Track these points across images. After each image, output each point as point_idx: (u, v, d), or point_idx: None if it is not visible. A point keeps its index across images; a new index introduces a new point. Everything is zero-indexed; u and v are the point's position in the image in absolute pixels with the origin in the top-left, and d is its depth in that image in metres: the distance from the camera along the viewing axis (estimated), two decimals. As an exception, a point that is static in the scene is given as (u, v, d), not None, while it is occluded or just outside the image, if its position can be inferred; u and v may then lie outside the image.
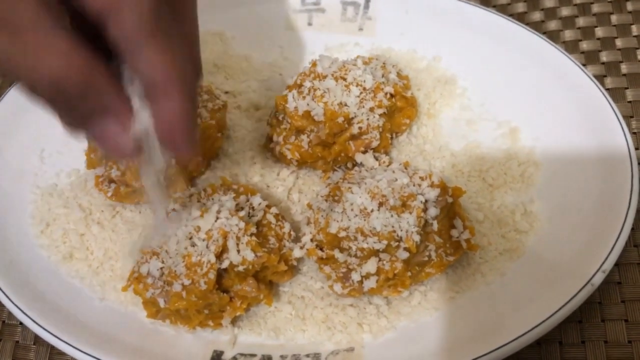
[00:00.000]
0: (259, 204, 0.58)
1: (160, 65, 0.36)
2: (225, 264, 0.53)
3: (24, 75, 0.34)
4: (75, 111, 0.36)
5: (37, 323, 0.56)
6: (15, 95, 0.72)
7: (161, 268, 0.54)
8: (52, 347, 0.60)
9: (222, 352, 0.56)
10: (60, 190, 0.68)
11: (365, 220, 0.53)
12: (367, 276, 0.54)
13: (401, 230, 0.52)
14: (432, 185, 0.56)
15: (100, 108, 0.36)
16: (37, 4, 0.32)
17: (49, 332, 0.55)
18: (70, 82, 0.34)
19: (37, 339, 0.61)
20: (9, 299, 0.57)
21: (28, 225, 0.66)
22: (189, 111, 0.38)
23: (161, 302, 0.54)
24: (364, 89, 0.61)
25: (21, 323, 0.61)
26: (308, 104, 0.60)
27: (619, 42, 0.72)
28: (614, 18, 0.74)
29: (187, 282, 0.52)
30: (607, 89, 0.67)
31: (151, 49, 0.35)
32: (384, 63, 0.65)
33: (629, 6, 0.75)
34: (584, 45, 0.73)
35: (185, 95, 0.37)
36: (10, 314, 0.63)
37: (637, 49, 0.71)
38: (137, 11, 0.34)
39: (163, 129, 0.38)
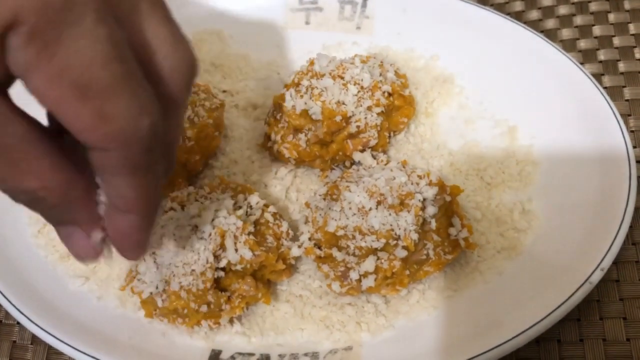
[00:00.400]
0: (257, 202, 0.58)
1: (127, 198, 0.38)
2: (223, 263, 0.53)
3: (5, 186, 0.36)
4: (48, 216, 0.39)
5: (34, 322, 0.55)
6: (14, 95, 0.72)
7: (159, 267, 0.54)
8: (50, 347, 0.60)
9: (220, 351, 0.56)
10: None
11: (363, 218, 0.53)
12: (365, 275, 0.54)
13: (399, 229, 0.52)
14: (430, 184, 0.56)
15: (69, 220, 0.39)
16: (25, 131, 0.34)
17: (46, 331, 0.55)
18: (47, 200, 0.36)
19: (35, 339, 0.61)
20: (6, 298, 0.57)
21: (25, 225, 0.65)
22: (141, 227, 0.40)
23: (159, 302, 0.54)
24: (362, 87, 0.61)
25: (18, 322, 0.61)
26: (306, 103, 0.60)
27: (616, 41, 0.72)
28: (611, 16, 0.74)
29: (185, 281, 0.52)
30: (605, 88, 0.67)
31: (124, 182, 0.37)
32: (381, 62, 0.65)
33: (627, 4, 0.75)
34: (582, 44, 0.73)
35: (142, 216, 0.39)
36: (7, 314, 0.62)
37: (635, 47, 0.71)
38: (125, 152, 0.35)
39: (115, 238, 0.41)
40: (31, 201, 0.37)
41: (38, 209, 0.38)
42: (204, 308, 0.54)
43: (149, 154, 0.36)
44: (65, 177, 0.36)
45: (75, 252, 0.42)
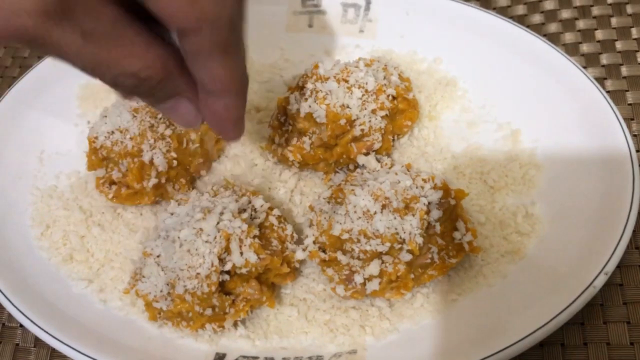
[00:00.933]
0: (261, 205, 0.58)
1: (222, 78, 0.41)
2: (228, 266, 0.53)
3: (110, 76, 0.39)
4: (153, 96, 0.42)
5: (37, 325, 0.55)
6: (14, 96, 0.72)
7: (163, 270, 0.54)
8: (53, 350, 0.60)
9: (224, 355, 0.56)
10: (60, 192, 0.68)
11: (368, 222, 0.53)
12: (369, 278, 0.54)
13: (404, 233, 0.52)
14: (435, 188, 0.56)
15: (173, 92, 0.42)
16: (115, 16, 0.37)
17: (49, 334, 0.55)
18: (150, 77, 0.40)
19: (38, 342, 0.61)
20: (9, 301, 0.57)
21: (28, 228, 0.65)
22: (237, 106, 0.44)
23: (163, 305, 0.54)
24: (366, 91, 0.61)
25: (21, 325, 0.61)
26: (310, 106, 0.60)
27: (619, 45, 0.73)
28: (614, 21, 0.75)
29: (189, 284, 0.52)
30: (608, 92, 0.68)
31: (217, 63, 0.40)
32: (385, 65, 0.65)
33: (629, 9, 0.75)
34: (584, 48, 0.73)
35: (236, 94, 0.43)
36: (10, 317, 0.62)
37: (638, 51, 0.71)
38: (216, 33, 0.38)
39: (215, 123, 0.45)
40: (137, 85, 0.40)
41: (144, 91, 0.41)
42: (209, 311, 0.54)
43: (235, 34, 0.39)
44: (162, 52, 0.40)
45: (183, 121, 0.45)
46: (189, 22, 0.37)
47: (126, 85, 0.40)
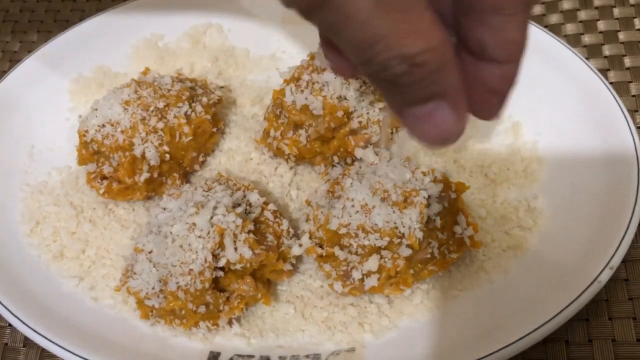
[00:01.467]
0: (257, 200, 0.57)
1: (516, 42, 0.35)
2: (222, 262, 0.52)
3: (384, 57, 0.32)
4: (413, 92, 0.34)
5: (26, 324, 0.54)
6: (4, 91, 0.70)
7: (155, 266, 0.52)
8: (43, 350, 0.59)
9: (219, 354, 0.54)
10: (51, 188, 0.66)
11: (366, 216, 0.51)
12: (368, 274, 0.52)
13: (404, 227, 0.51)
14: (435, 181, 0.54)
15: (440, 90, 0.34)
16: None
17: (39, 333, 0.53)
18: (426, 63, 0.32)
19: (27, 341, 0.60)
20: (-3, 300, 0.55)
21: (17, 224, 0.64)
22: (515, 78, 0.37)
23: (155, 302, 0.52)
24: (364, 82, 0.59)
25: (10, 324, 0.59)
26: (306, 98, 0.59)
27: (621, 36, 0.71)
28: (616, 11, 0.73)
29: (182, 281, 0.51)
30: (611, 83, 0.66)
31: (517, 24, 0.34)
32: (383, 56, 0.63)
33: (632, -1, 0.74)
34: (586, 39, 0.72)
35: (519, 65, 0.36)
36: (-2, 315, 0.61)
37: (641, 42, 0.70)
38: None
39: (484, 95, 0.37)
40: (406, 73, 0.32)
41: (408, 82, 0.33)
42: (202, 309, 0.52)
43: None
44: (443, 34, 0.32)
45: (437, 133, 0.35)
46: None
47: (394, 73, 0.32)
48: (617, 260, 0.51)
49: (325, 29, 0.32)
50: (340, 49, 0.33)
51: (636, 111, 0.66)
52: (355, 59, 0.33)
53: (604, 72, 0.69)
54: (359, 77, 0.58)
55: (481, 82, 0.36)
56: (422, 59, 0.31)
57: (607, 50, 0.71)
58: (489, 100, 0.37)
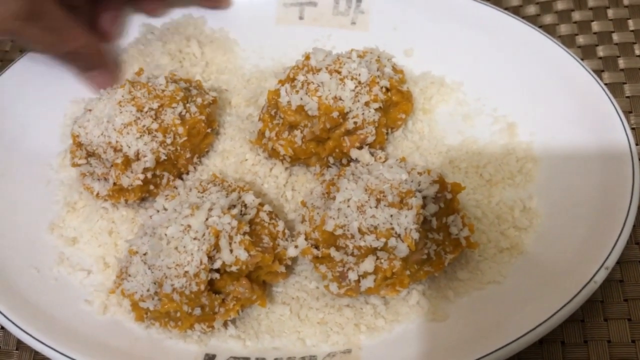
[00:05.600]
0: (252, 201, 0.56)
1: None
2: (217, 264, 0.51)
3: (61, 53, 0.66)
4: (84, 67, 0.69)
5: (19, 327, 0.53)
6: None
7: (150, 268, 0.52)
8: (36, 353, 0.58)
9: (214, 356, 0.54)
10: (43, 189, 0.66)
11: (362, 217, 0.51)
12: (364, 275, 0.52)
13: (399, 228, 0.51)
14: (430, 181, 0.54)
15: (95, 65, 0.69)
16: (63, 14, 0.62)
17: (32, 336, 0.53)
18: (84, 54, 0.67)
19: (20, 344, 0.59)
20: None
21: (9, 225, 0.63)
22: None
23: (150, 305, 0.52)
24: (359, 82, 0.59)
25: (2, 327, 0.59)
26: (301, 98, 0.58)
27: (616, 37, 0.72)
28: (610, 12, 0.74)
29: (177, 283, 0.50)
30: (605, 84, 0.66)
31: None
32: (378, 56, 0.63)
33: (625, 0, 0.74)
34: (580, 40, 0.72)
35: None
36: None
37: (635, 43, 0.71)
38: None
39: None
40: (74, 58, 0.67)
41: (77, 63, 0.68)
42: (198, 311, 0.52)
43: None
44: (91, 37, 0.67)
45: (98, 86, 0.69)
46: None
47: (71, 59, 0.67)
48: (612, 261, 0.51)
49: (26, 45, 0.70)
50: None
51: (630, 112, 0.66)
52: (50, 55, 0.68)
53: (598, 73, 0.69)
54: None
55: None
56: (82, 51, 0.66)
57: (601, 51, 0.71)
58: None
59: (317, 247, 0.54)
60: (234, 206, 0.55)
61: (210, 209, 0.53)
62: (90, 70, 0.69)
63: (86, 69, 0.68)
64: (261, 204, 0.57)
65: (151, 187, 0.61)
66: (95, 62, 0.68)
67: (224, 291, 0.53)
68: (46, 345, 0.52)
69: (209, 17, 0.75)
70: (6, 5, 0.57)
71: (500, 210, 0.60)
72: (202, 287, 0.51)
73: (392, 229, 0.51)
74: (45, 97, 0.71)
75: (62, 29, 0.63)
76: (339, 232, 0.52)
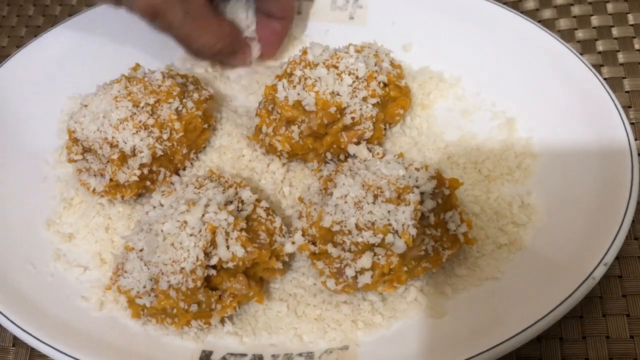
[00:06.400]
0: (249, 197, 0.56)
1: (289, 8, 0.68)
2: (214, 261, 0.51)
3: (195, 45, 0.63)
4: (216, 54, 0.66)
5: (15, 324, 0.53)
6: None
7: (147, 265, 0.52)
8: (32, 349, 0.58)
9: (211, 352, 0.54)
10: (40, 185, 0.65)
11: (359, 213, 0.51)
12: (361, 271, 0.52)
13: (397, 224, 0.50)
14: (428, 177, 0.54)
15: (230, 53, 0.68)
16: (203, 2, 0.61)
17: (28, 333, 0.53)
18: (219, 46, 0.65)
19: (17, 341, 0.59)
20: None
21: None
22: (288, 29, 0.70)
23: (147, 301, 0.52)
24: (357, 77, 0.59)
25: (-1, 324, 0.58)
26: (299, 94, 0.58)
27: (615, 31, 0.71)
28: (609, 6, 0.73)
29: (174, 279, 0.50)
30: (605, 79, 0.66)
31: None
32: (376, 51, 0.63)
33: (625, -6, 0.73)
34: (580, 34, 0.72)
35: (291, 21, 0.70)
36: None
37: (634, 37, 0.70)
38: None
39: (268, 38, 0.69)
40: (209, 50, 0.65)
41: (215, 55, 0.66)
42: (194, 307, 0.52)
43: None
44: (228, 29, 0.65)
45: (236, 64, 0.71)
46: None
47: (205, 52, 0.65)
48: (611, 257, 0.51)
49: (163, 29, 0.61)
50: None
51: (630, 107, 0.66)
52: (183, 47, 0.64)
53: (597, 67, 0.68)
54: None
55: (272, 30, 0.69)
56: (218, 45, 0.65)
57: (600, 45, 0.70)
58: (272, 41, 0.69)
59: (314, 244, 0.54)
60: (231, 202, 0.55)
61: (206, 205, 0.52)
62: (227, 57, 0.68)
63: (222, 57, 0.68)
64: (258, 200, 0.57)
65: (147, 183, 0.61)
66: (230, 50, 0.66)
67: (221, 288, 0.53)
68: (42, 342, 0.52)
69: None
70: None
71: (499, 206, 0.59)
72: (199, 283, 0.50)
73: (390, 225, 0.50)
74: (41, 92, 0.71)
75: (200, 18, 0.60)
76: (336, 228, 0.51)
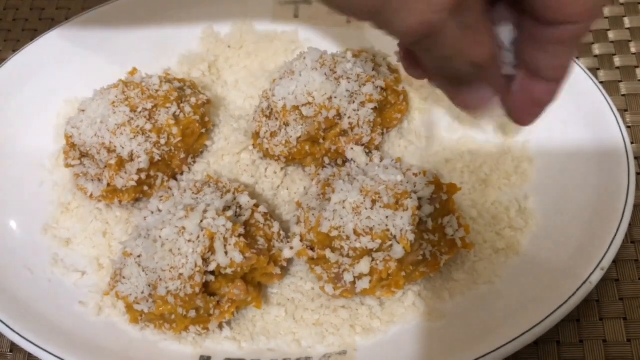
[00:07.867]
0: (247, 202, 0.56)
1: (562, 67, 0.45)
2: (212, 267, 0.51)
3: (459, 62, 0.42)
4: (466, 79, 0.45)
5: (13, 330, 0.53)
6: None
7: (145, 271, 0.52)
8: (30, 355, 0.58)
9: (209, 358, 0.54)
10: (37, 190, 0.65)
11: (358, 218, 0.51)
12: (359, 277, 0.52)
13: (395, 229, 0.51)
14: (426, 182, 0.54)
15: (485, 78, 0.45)
16: (481, 8, 0.40)
17: (26, 339, 0.52)
18: (482, 64, 0.42)
19: (14, 346, 0.59)
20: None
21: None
22: (554, 95, 0.47)
23: (145, 307, 0.52)
24: (355, 82, 0.59)
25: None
26: (296, 98, 0.58)
27: (611, 35, 0.71)
28: (606, 10, 0.73)
29: (172, 285, 0.50)
30: (601, 82, 0.66)
31: (566, 54, 0.43)
32: (374, 56, 0.63)
33: (621, -2, 0.74)
34: (576, 38, 0.72)
35: (560, 85, 0.46)
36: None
37: (631, 41, 0.70)
38: (586, 27, 0.41)
39: (523, 105, 0.48)
40: (469, 72, 0.43)
41: (465, 74, 0.43)
42: (192, 313, 0.52)
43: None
44: (496, 45, 0.44)
45: (471, 104, 0.48)
46: (575, 14, 0.40)
47: (461, 72, 0.43)
48: (608, 261, 0.51)
49: (429, 50, 0.41)
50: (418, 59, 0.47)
51: (626, 110, 0.66)
52: (431, 66, 0.44)
53: (594, 71, 0.69)
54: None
55: (528, 94, 0.46)
56: (481, 61, 0.42)
57: (597, 49, 0.71)
58: (531, 110, 0.48)
59: (312, 249, 0.54)
60: (229, 208, 0.55)
61: (205, 211, 0.52)
62: (468, 84, 0.46)
63: (463, 82, 0.46)
64: (256, 205, 0.57)
65: (145, 188, 0.61)
66: (486, 74, 0.44)
67: (219, 293, 0.53)
68: (40, 348, 0.52)
69: (204, 18, 0.75)
70: None
71: (496, 210, 0.59)
72: (197, 289, 0.50)
73: (388, 230, 0.51)
74: (38, 97, 0.70)
75: (476, 30, 0.40)
76: (334, 233, 0.52)
